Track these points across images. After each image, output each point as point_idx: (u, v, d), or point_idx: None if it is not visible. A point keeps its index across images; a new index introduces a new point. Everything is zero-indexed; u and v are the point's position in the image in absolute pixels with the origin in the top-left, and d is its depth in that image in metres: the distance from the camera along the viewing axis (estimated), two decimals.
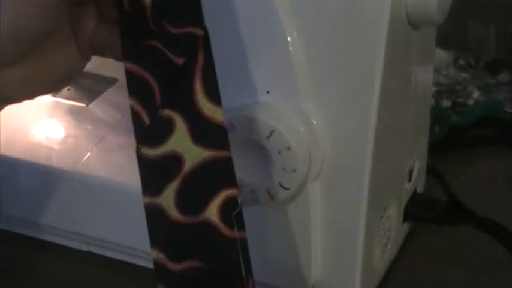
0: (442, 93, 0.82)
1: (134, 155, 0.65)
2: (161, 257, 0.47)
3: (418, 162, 0.66)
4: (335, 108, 0.56)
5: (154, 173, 0.47)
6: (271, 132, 0.55)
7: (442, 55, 0.85)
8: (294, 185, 0.56)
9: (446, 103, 0.81)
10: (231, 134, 0.55)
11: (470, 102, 0.82)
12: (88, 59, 0.51)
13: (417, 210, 0.66)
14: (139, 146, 0.47)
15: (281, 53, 0.56)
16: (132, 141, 0.68)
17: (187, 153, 0.47)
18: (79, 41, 0.50)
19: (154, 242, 0.47)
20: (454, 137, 0.79)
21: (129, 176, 0.64)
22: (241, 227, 0.47)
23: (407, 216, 0.65)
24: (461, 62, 0.87)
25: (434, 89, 0.78)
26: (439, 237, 0.68)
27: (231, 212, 0.47)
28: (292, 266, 0.60)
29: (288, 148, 0.55)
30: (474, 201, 0.68)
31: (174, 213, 0.47)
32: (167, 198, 0.47)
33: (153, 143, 0.47)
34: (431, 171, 0.71)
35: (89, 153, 0.66)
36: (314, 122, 0.56)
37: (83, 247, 0.68)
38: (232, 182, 0.47)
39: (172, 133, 0.47)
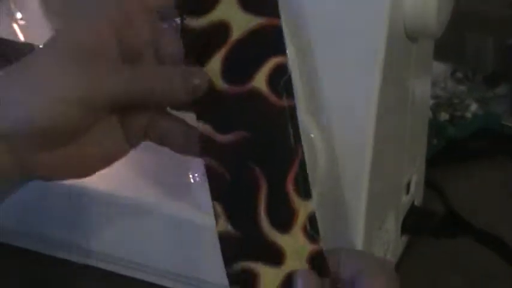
0: (440, 106, 0.82)
1: (134, 168, 0.65)
2: (207, 128, 0.46)
3: (416, 175, 0.67)
4: (333, 121, 0.56)
5: (199, 43, 0.46)
6: None
7: (439, 68, 0.85)
8: None
9: (444, 116, 0.81)
10: None
11: (468, 115, 0.81)
12: (135, 146, 0.48)
13: (415, 223, 0.66)
14: (184, 16, 0.46)
15: None
16: (132, 154, 0.68)
17: (235, 21, 0.46)
18: (128, 132, 0.47)
19: (200, 113, 0.46)
20: (451, 149, 0.79)
21: (129, 189, 0.64)
22: (290, 94, 0.46)
23: (405, 229, 0.66)
24: (459, 74, 0.87)
25: (431, 102, 0.79)
26: (437, 249, 0.68)
27: (280, 79, 0.46)
28: None
29: None
30: (472, 213, 0.69)
31: (220, 83, 0.46)
32: (213, 68, 0.46)
33: (199, 12, 0.46)
34: (429, 184, 0.71)
35: None
36: (311, 135, 0.56)
37: (82, 260, 0.68)
38: (281, 50, 0.47)
39: (220, 0, 0.46)
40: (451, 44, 0.78)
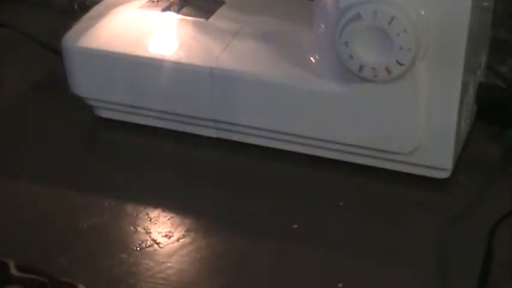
0: None
1: (262, 52, 0.78)
2: None
3: (484, 56, 0.81)
4: (438, 2, 0.70)
5: None
6: (392, 18, 0.68)
7: None
8: (408, 61, 0.69)
9: None
10: (358, 23, 0.70)
11: None
12: None
13: (485, 94, 0.80)
14: None
15: None
16: (254, 43, 0.80)
17: None
18: None
19: None
20: None
21: (259, 67, 0.76)
22: None
23: (478, 98, 0.80)
24: None
25: None
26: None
27: None
28: (399, 132, 0.74)
29: (405, 31, 0.68)
30: None
31: None
32: None
33: None
34: None
35: (221, 53, 0.77)
36: (422, 12, 0.70)
37: (213, 133, 0.81)
38: None
39: None
40: None
